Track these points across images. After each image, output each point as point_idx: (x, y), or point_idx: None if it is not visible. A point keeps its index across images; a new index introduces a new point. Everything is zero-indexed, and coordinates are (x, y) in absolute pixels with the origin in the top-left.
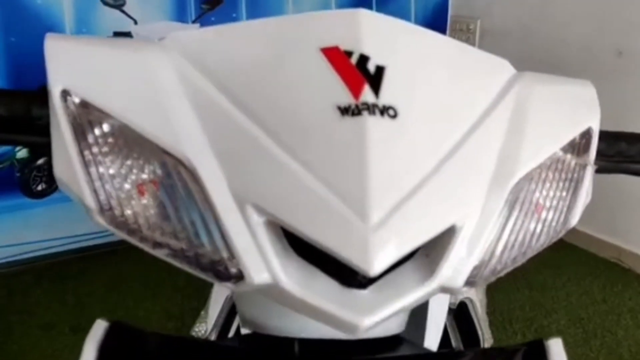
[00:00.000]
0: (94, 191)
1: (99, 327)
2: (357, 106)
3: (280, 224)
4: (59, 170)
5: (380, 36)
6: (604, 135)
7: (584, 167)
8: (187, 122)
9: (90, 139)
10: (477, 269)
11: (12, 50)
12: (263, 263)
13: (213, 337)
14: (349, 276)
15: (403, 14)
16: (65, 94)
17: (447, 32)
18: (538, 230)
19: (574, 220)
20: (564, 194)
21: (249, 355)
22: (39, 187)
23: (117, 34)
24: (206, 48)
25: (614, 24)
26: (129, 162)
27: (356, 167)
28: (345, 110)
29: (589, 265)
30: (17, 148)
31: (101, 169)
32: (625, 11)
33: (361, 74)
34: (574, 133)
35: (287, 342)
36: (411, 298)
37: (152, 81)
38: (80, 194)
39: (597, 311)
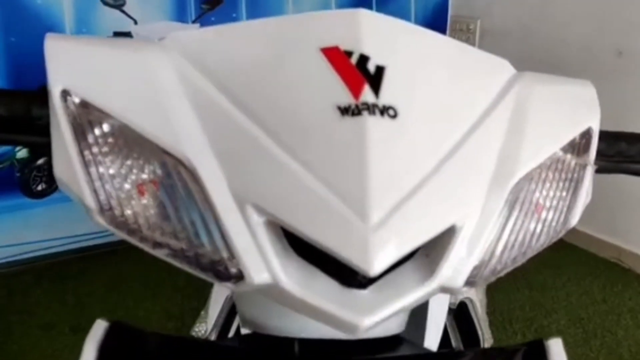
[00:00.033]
0: (94, 191)
1: (99, 327)
2: (357, 106)
3: (280, 224)
4: (59, 170)
5: (380, 36)
6: (604, 135)
7: (583, 167)
8: (187, 122)
9: (90, 139)
10: (477, 269)
11: (12, 50)
12: (263, 263)
13: (213, 337)
14: (349, 276)
15: (403, 14)
16: (65, 94)
17: (447, 32)
18: (538, 230)
19: (574, 220)
20: (564, 194)
21: (249, 355)
22: (39, 187)
23: (117, 34)
24: (206, 48)
25: (614, 24)
26: (129, 162)
27: (356, 167)
28: (345, 110)
29: (589, 265)
30: (17, 148)
31: (101, 169)
32: (625, 11)
33: (361, 74)
34: (574, 133)
35: (287, 342)
36: (411, 298)
37: (152, 81)
38: (80, 194)
39: (597, 311)
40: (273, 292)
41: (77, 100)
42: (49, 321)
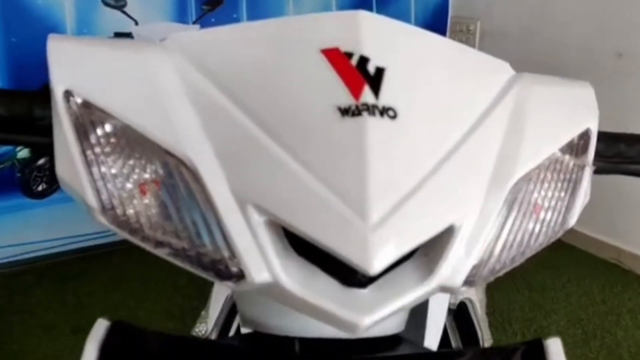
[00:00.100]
0: (96, 191)
1: (100, 327)
2: (357, 107)
3: (281, 223)
4: (62, 170)
5: (380, 38)
6: (602, 136)
7: (582, 167)
8: (189, 123)
9: (93, 139)
10: (476, 268)
11: (13, 50)
12: (264, 262)
13: (214, 337)
14: (349, 275)
15: (403, 15)
16: (67, 94)
17: (447, 33)
18: (536, 230)
19: (572, 221)
20: (563, 194)
21: (249, 354)
22: (40, 188)
23: (118, 35)
24: (207, 49)
25: (614, 25)
26: (131, 162)
27: (356, 167)
28: (345, 111)
29: (589, 266)
30: (18, 148)
31: (103, 169)
32: (625, 12)
33: (361, 75)
34: (573, 134)
35: (287, 341)
36: (411, 297)
37: (154, 82)
38: (83, 194)
39: (596, 312)
40: (273, 292)
41: (79, 100)
42: (49, 321)
